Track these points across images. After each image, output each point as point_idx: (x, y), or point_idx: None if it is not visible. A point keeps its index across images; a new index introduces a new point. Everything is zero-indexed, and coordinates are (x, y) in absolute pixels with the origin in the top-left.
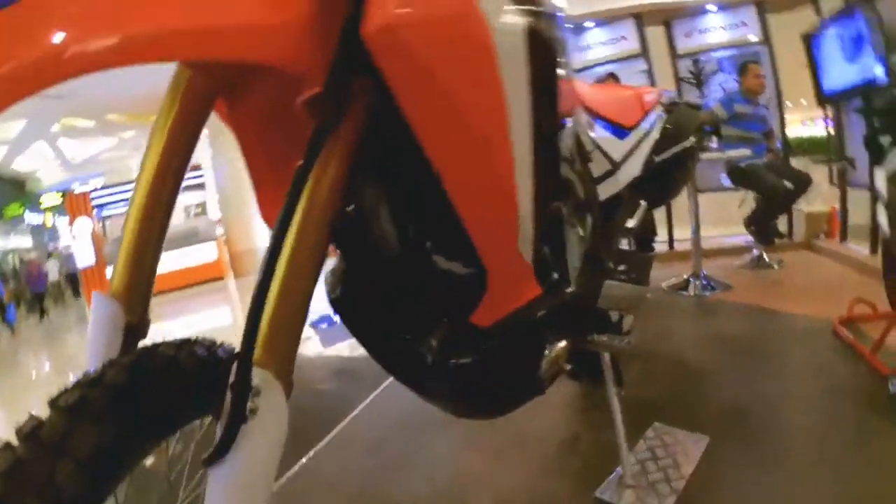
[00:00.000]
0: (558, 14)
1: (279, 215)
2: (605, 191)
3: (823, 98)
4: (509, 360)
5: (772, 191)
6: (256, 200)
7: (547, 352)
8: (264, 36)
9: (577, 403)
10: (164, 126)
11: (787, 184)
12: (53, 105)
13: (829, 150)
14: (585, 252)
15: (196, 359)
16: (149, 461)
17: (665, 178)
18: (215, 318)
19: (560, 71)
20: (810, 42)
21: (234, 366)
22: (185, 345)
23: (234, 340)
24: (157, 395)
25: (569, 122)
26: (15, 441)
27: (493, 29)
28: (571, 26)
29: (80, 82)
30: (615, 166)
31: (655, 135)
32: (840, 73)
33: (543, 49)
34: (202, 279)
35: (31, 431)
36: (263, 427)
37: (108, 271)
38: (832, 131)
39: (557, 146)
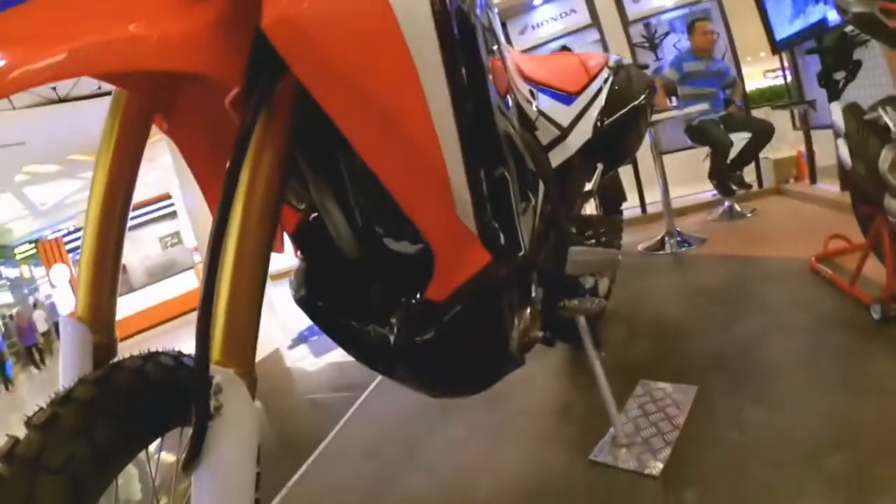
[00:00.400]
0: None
1: (218, 209)
2: (557, 157)
3: (777, 47)
4: (473, 332)
5: (717, 144)
6: (206, 203)
7: (516, 321)
8: (176, 44)
9: (564, 369)
10: (108, 148)
11: (729, 137)
12: (15, 153)
13: (789, 96)
14: (541, 217)
15: (163, 369)
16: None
17: (618, 138)
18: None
19: (483, 48)
20: None
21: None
22: (152, 357)
23: None
24: (127, 407)
25: (507, 97)
26: None
27: (395, 7)
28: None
29: (38, 127)
30: (564, 132)
31: (603, 98)
32: (791, 20)
33: (455, 19)
34: (186, 309)
35: (9, 450)
36: (231, 423)
37: None
38: (790, 77)
39: (488, 114)
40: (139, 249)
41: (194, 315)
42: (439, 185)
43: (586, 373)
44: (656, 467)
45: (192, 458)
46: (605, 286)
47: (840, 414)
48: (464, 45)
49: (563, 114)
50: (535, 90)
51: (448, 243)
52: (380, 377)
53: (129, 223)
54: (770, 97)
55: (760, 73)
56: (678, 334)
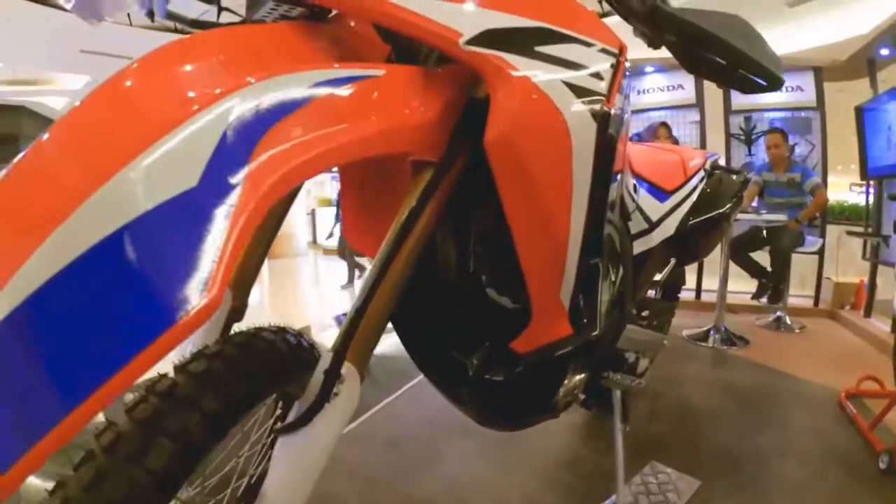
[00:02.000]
0: (625, 110)
1: (388, 242)
2: (638, 247)
3: (868, 173)
4: (535, 383)
5: (786, 252)
6: (343, 220)
7: (566, 381)
8: (413, 134)
9: (585, 430)
10: None
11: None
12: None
13: (867, 220)
14: (613, 299)
15: (288, 345)
16: None
17: (696, 240)
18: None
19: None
20: (862, 115)
21: (328, 355)
22: (281, 331)
23: (263, 319)
24: (258, 370)
25: (617, 181)
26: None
27: (573, 136)
28: (629, 71)
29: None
30: (651, 226)
31: (693, 199)
32: (887, 150)
33: (608, 145)
34: None
35: (167, 389)
36: (339, 408)
37: None
38: (872, 201)
39: (604, 216)
40: None
41: None
42: (558, 270)
43: (604, 438)
44: None
45: (295, 427)
46: (645, 365)
47: None
48: (607, 160)
49: (654, 209)
50: (637, 184)
51: (544, 312)
52: (417, 379)
53: None
54: (850, 215)
55: (847, 185)
56: (698, 427)
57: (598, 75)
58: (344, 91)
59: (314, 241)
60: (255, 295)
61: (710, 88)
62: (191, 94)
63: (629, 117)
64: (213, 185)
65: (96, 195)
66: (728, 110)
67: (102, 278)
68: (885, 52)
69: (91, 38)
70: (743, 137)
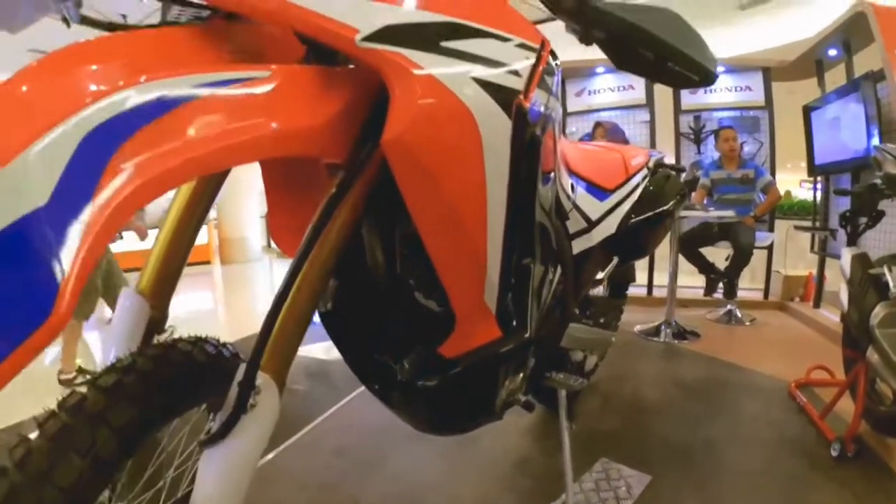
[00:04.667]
0: (550, 107)
1: (301, 245)
2: (578, 246)
3: (815, 169)
4: (469, 388)
5: (745, 248)
6: (268, 223)
7: (505, 383)
8: (307, 136)
9: (535, 430)
10: None
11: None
12: None
13: (814, 215)
14: (552, 300)
15: (206, 355)
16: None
17: (638, 238)
18: (197, 303)
19: (542, 151)
20: (809, 114)
21: (243, 366)
22: (199, 342)
23: (212, 327)
24: (174, 383)
25: (550, 181)
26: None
27: (482, 134)
28: (558, 68)
29: None
30: (591, 225)
31: (635, 197)
32: (833, 146)
33: (527, 142)
34: (190, 261)
35: (76, 404)
36: (258, 420)
37: None
38: (819, 197)
39: (531, 216)
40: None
41: (194, 269)
42: (478, 273)
43: (555, 437)
44: None
45: (215, 439)
46: (593, 363)
47: None
48: (528, 161)
49: (593, 208)
50: (575, 183)
51: (469, 316)
52: (362, 388)
53: None
54: (798, 210)
55: (797, 181)
56: (648, 421)
57: (513, 71)
58: (224, 94)
59: (269, 246)
60: (208, 303)
61: (660, 89)
62: (64, 100)
63: (556, 115)
64: (61, 202)
65: None
66: (678, 110)
67: None
68: (833, 52)
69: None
70: (692, 136)
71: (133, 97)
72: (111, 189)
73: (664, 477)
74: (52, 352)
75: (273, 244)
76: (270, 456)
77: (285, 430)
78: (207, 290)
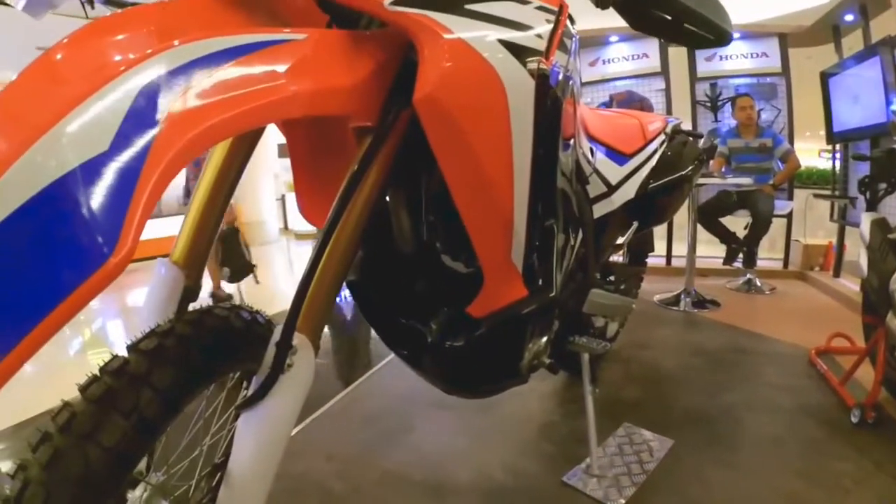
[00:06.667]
0: (570, 70)
1: (332, 209)
2: (598, 210)
3: (833, 137)
4: (496, 348)
5: (764, 217)
6: (296, 194)
7: (530, 345)
8: (348, 95)
9: (559, 395)
10: None
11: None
12: None
13: (834, 184)
14: (574, 263)
15: (242, 321)
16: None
17: (658, 203)
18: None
19: (563, 114)
20: (827, 80)
21: (279, 328)
22: (234, 308)
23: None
24: (212, 346)
25: (570, 147)
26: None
27: (509, 94)
28: (576, 34)
29: None
30: (611, 189)
31: (653, 163)
32: (851, 113)
33: (549, 103)
34: None
35: (120, 367)
36: (295, 380)
37: None
38: (839, 166)
39: (553, 177)
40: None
41: None
42: (505, 231)
43: (577, 402)
44: (618, 502)
45: (253, 401)
46: (614, 329)
47: (793, 497)
48: (551, 120)
49: (613, 172)
50: (594, 148)
51: (496, 275)
52: (389, 357)
53: None
54: (817, 180)
55: (816, 151)
56: (669, 388)
57: (534, 33)
58: (265, 54)
59: (286, 227)
60: (229, 287)
61: (675, 56)
62: (109, 62)
63: (578, 80)
64: (121, 149)
65: (16, 165)
66: (693, 77)
67: (20, 241)
68: (849, 17)
69: (48, 34)
70: (709, 104)
71: (184, 53)
72: (168, 138)
73: (686, 442)
74: (77, 342)
75: (290, 226)
76: (301, 426)
77: (316, 401)
78: None
